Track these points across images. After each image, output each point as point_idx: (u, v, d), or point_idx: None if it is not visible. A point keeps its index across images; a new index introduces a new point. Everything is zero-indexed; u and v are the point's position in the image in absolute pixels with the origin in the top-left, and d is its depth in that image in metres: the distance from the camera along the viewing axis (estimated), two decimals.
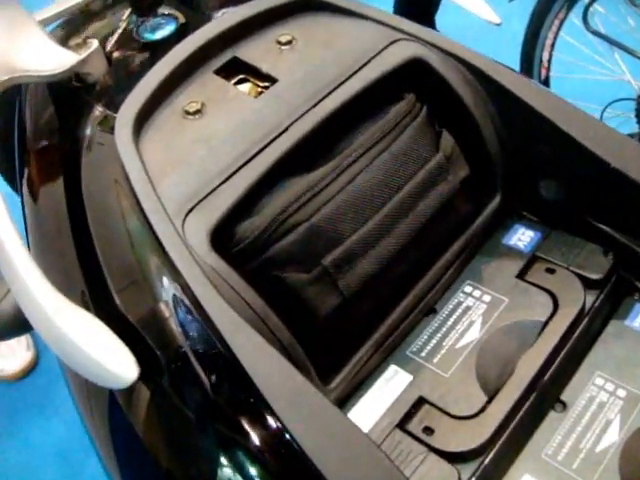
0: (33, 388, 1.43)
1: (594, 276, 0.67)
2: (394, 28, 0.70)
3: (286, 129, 0.62)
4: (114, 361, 0.52)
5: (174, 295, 0.57)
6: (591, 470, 0.57)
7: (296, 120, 0.62)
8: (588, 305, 0.66)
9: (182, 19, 0.77)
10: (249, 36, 0.71)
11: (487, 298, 0.68)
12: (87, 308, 0.60)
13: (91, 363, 0.52)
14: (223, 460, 0.55)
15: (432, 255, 0.69)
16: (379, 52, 0.68)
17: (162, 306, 0.58)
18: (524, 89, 0.66)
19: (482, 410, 0.60)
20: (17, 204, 0.72)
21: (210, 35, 0.68)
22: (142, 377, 0.53)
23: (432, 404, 0.61)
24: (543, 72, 1.62)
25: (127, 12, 0.76)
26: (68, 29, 0.80)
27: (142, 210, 0.58)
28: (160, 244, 0.56)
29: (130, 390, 0.59)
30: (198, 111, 0.64)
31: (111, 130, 0.65)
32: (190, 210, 0.57)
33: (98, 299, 0.62)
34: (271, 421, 0.51)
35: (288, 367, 0.52)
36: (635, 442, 0.58)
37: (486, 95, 0.69)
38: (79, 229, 0.66)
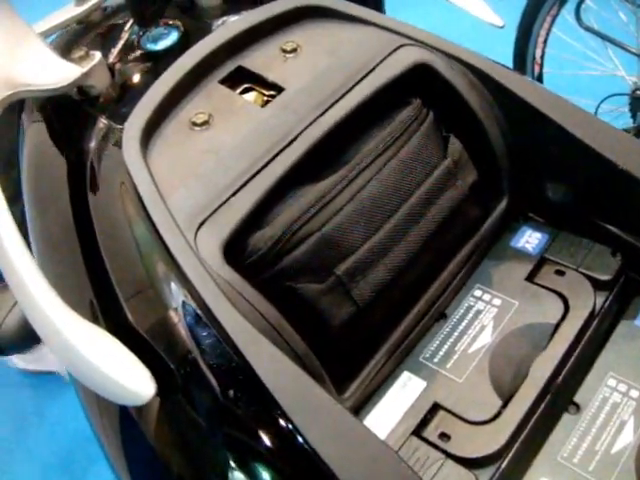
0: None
1: (603, 277, 0.67)
2: (398, 33, 0.70)
3: (295, 138, 0.61)
4: (131, 379, 0.51)
5: (187, 308, 0.57)
6: (607, 472, 0.57)
7: (304, 129, 0.62)
8: (598, 306, 0.66)
9: (184, 28, 0.76)
10: (253, 45, 0.71)
11: (497, 302, 0.68)
12: (97, 321, 0.60)
13: (108, 382, 0.52)
14: (241, 472, 0.55)
15: (442, 260, 0.69)
16: (385, 58, 0.67)
17: (175, 319, 0.57)
18: (530, 92, 0.66)
19: (497, 415, 0.60)
20: None
21: (214, 45, 0.68)
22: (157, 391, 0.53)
23: (447, 410, 0.61)
24: (536, 69, 1.62)
25: (129, 23, 0.75)
26: (68, 40, 0.79)
27: (153, 224, 0.57)
28: (172, 258, 0.56)
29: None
30: (205, 122, 0.64)
31: (117, 143, 0.65)
32: (202, 223, 0.57)
33: (109, 313, 0.62)
34: (290, 432, 0.51)
35: (305, 378, 0.52)
36: None
37: (492, 98, 0.69)
38: (86, 242, 0.65)
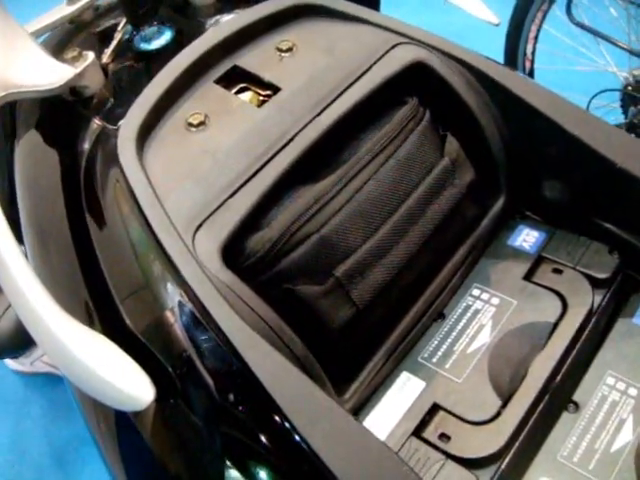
0: None
1: (601, 275, 0.68)
2: (394, 32, 0.70)
3: (292, 139, 0.61)
4: (130, 384, 0.51)
5: (185, 310, 0.56)
6: (607, 470, 0.57)
7: (301, 129, 0.62)
8: (596, 304, 0.67)
9: (177, 28, 0.75)
10: (248, 44, 0.70)
11: (495, 301, 0.68)
12: (92, 323, 0.59)
13: (107, 388, 0.51)
14: (241, 476, 0.55)
15: (439, 260, 0.69)
16: (381, 57, 0.67)
17: (172, 321, 0.57)
18: (527, 90, 0.66)
19: (497, 415, 0.60)
20: None
21: (209, 44, 0.67)
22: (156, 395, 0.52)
23: (447, 410, 0.61)
24: (527, 64, 1.63)
25: (122, 22, 0.74)
26: (60, 40, 0.78)
27: (150, 226, 0.57)
28: (170, 261, 0.55)
29: None
30: (201, 123, 0.63)
31: (111, 144, 0.64)
32: (199, 226, 0.57)
33: (105, 315, 0.62)
34: (290, 435, 0.50)
35: (305, 381, 0.51)
36: None
37: (488, 96, 0.69)
38: (81, 244, 0.65)
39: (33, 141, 0.73)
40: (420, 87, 0.68)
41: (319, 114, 0.63)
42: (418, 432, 0.60)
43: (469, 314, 0.67)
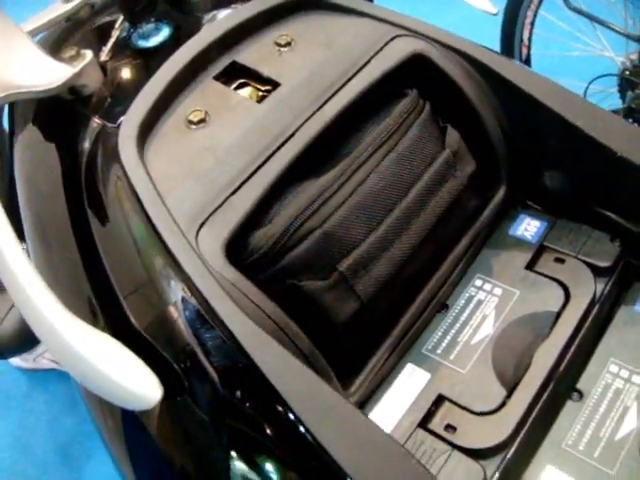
0: None
1: (603, 264, 0.68)
2: (392, 24, 0.70)
3: (293, 134, 0.61)
4: (138, 384, 0.51)
5: (190, 308, 0.56)
6: (612, 458, 0.58)
7: (302, 124, 0.62)
8: (598, 293, 0.67)
9: (175, 24, 0.75)
10: (246, 39, 0.70)
11: (498, 291, 0.68)
12: (96, 320, 0.60)
13: (114, 387, 0.52)
14: (249, 471, 0.55)
15: (442, 251, 0.69)
16: (380, 49, 0.68)
17: (177, 319, 0.57)
18: (527, 80, 0.67)
19: (502, 405, 0.61)
20: None
21: (207, 40, 0.68)
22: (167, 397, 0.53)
23: (452, 401, 0.62)
24: (524, 50, 1.63)
25: (119, 20, 0.74)
26: (57, 39, 0.78)
27: (152, 224, 0.57)
28: (174, 259, 0.56)
29: None
30: (202, 120, 0.64)
31: (112, 142, 0.64)
32: (202, 224, 0.57)
33: (109, 313, 0.62)
34: (298, 430, 0.51)
35: (312, 376, 0.52)
36: None
37: (488, 87, 0.69)
38: (84, 241, 0.65)
39: (33, 140, 0.74)
40: (419, 79, 0.69)
41: (319, 108, 0.63)
42: (424, 424, 0.61)
43: (472, 305, 0.68)
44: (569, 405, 0.62)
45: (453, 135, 0.67)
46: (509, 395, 0.61)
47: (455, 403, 0.62)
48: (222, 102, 0.66)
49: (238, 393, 0.55)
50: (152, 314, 0.60)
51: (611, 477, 0.57)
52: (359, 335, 0.64)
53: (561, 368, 0.63)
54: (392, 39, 0.69)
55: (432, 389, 0.63)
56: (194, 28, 0.71)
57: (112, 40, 0.73)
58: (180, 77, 0.66)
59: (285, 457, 0.53)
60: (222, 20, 0.70)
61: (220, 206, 0.58)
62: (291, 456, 0.53)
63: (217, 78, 0.68)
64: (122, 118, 0.65)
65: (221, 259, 0.56)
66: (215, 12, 0.76)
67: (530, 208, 0.75)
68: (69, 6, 0.76)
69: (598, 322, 0.67)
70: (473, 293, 0.69)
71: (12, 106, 0.77)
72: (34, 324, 0.54)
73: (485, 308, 0.67)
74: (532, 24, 1.56)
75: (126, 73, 0.73)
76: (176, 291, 0.57)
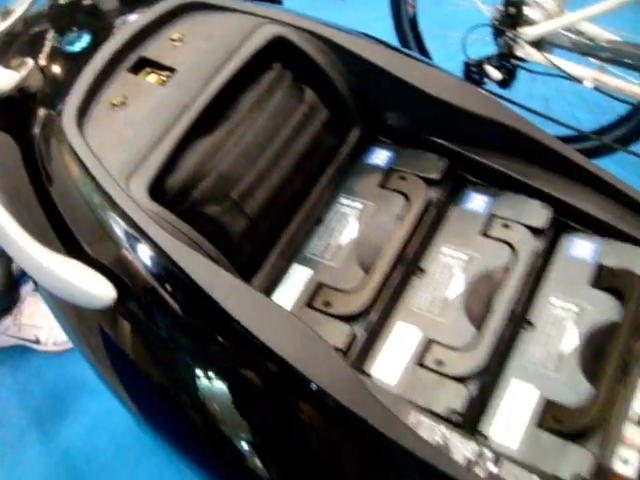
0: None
1: (434, 176, 0.90)
2: (259, 16, 0.91)
3: (188, 106, 0.82)
4: (94, 285, 0.72)
5: (130, 237, 0.75)
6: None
7: (195, 98, 0.83)
8: (433, 198, 0.89)
9: (93, 30, 0.96)
10: (149, 38, 0.91)
11: (359, 205, 0.90)
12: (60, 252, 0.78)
13: (76, 290, 0.72)
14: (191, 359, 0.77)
15: (312, 179, 0.91)
16: (249, 36, 0.89)
17: (123, 248, 0.76)
18: (363, 47, 0.89)
19: (362, 283, 0.83)
20: None
21: (120, 42, 0.88)
22: (121, 302, 0.73)
23: (329, 286, 0.83)
24: (410, 10, 1.82)
25: (50, 31, 0.94)
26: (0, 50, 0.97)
27: (95, 181, 0.78)
28: (114, 203, 0.76)
29: (113, 317, 0.80)
30: (122, 103, 0.84)
31: (56, 125, 0.85)
32: (130, 175, 0.78)
33: (74, 254, 0.81)
34: (227, 318, 0.69)
35: (225, 274, 0.72)
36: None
37: (336, 57, 0.91)
38: (45, 202, 0.84)
39: None
40: (283, 55, 0.90)
41: (207, 85, 0.84)
42: (310, 303, 0.82)
43: (340, 216, 0.89)
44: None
45: (309, 94, 0.90)
46: (367, 273, 0.82)
47: (331, 287, 0.83)
48: (135, 88, 0.86)
49: (168, 287, 0.74)
50: (100, 242, 0.79)
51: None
52: (252, 244, 0.85)
53: (407, 252, 0.84)
54: (258, 27, 0.90)
55: (314, 280, 0.84)
56: (108, 32, 0.91)
57: (46, 49, 0.93)
58: (102, 72, 0.86)
59: (223, 345, 0.72)
60: (129, 25, 0.90)
61: (142, 162, 0.78)
62: (225, 339, 0.72)
63: (130, 71, 0.89)
64: (61, 107, 0.85)
65: (146, 198, 0.76)
66: (124, 17, 0.96)
67: (382, 142, 0.96)
68: (7, 23, 0.95)
69: (434, 221, 0.88)
70: (340, 208, 0.90)
71: None
72: (16, 256, 0.75)
73: (350, 218, 0.89)
74: None
75: (60, 73, 0.93)
76: (117, 223, 0.76)
